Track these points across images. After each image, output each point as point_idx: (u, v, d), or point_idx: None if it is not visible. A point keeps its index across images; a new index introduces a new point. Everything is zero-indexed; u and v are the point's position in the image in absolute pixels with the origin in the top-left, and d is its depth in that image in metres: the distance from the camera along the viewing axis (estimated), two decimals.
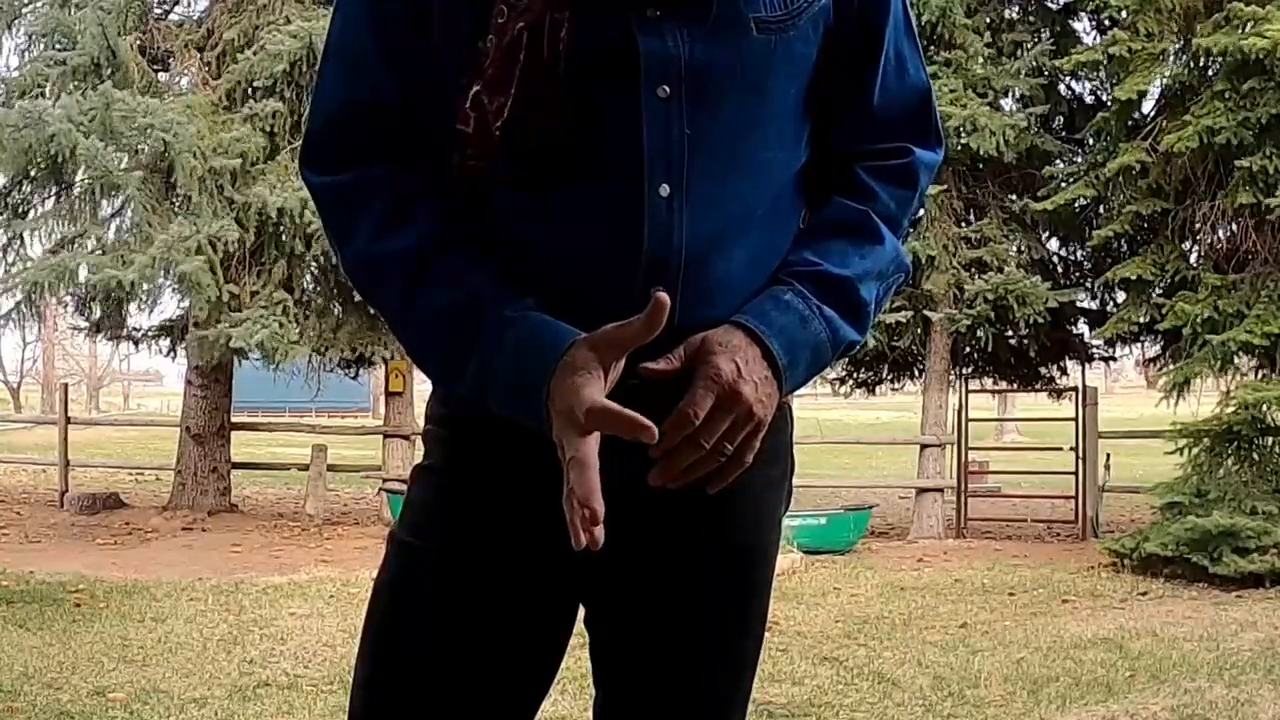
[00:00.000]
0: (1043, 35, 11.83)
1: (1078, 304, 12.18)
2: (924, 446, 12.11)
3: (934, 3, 11.05)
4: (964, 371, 12.49)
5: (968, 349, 12.27)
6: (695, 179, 1.27)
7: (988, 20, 11.84)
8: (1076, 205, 11.31)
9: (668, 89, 1.25)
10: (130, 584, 7.98)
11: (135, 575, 8.48)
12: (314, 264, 11.54)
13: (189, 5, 12.91)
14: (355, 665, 1.44)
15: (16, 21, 12.29)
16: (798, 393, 1.40)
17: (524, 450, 1.29)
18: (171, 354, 13.73)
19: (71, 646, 5.99)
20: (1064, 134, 12.13)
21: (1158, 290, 10.54)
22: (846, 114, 1.39)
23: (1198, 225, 10.12)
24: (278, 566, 9.19)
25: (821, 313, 1.30)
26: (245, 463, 13.83)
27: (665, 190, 1.26)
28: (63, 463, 13.86)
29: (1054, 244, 12.59)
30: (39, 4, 12.16)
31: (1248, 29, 9.17)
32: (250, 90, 11.26)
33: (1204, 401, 10.34)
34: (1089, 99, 12.37)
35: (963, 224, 11.82)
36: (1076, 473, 11.70)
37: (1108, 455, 11.65)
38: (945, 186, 11.27)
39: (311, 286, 11.84)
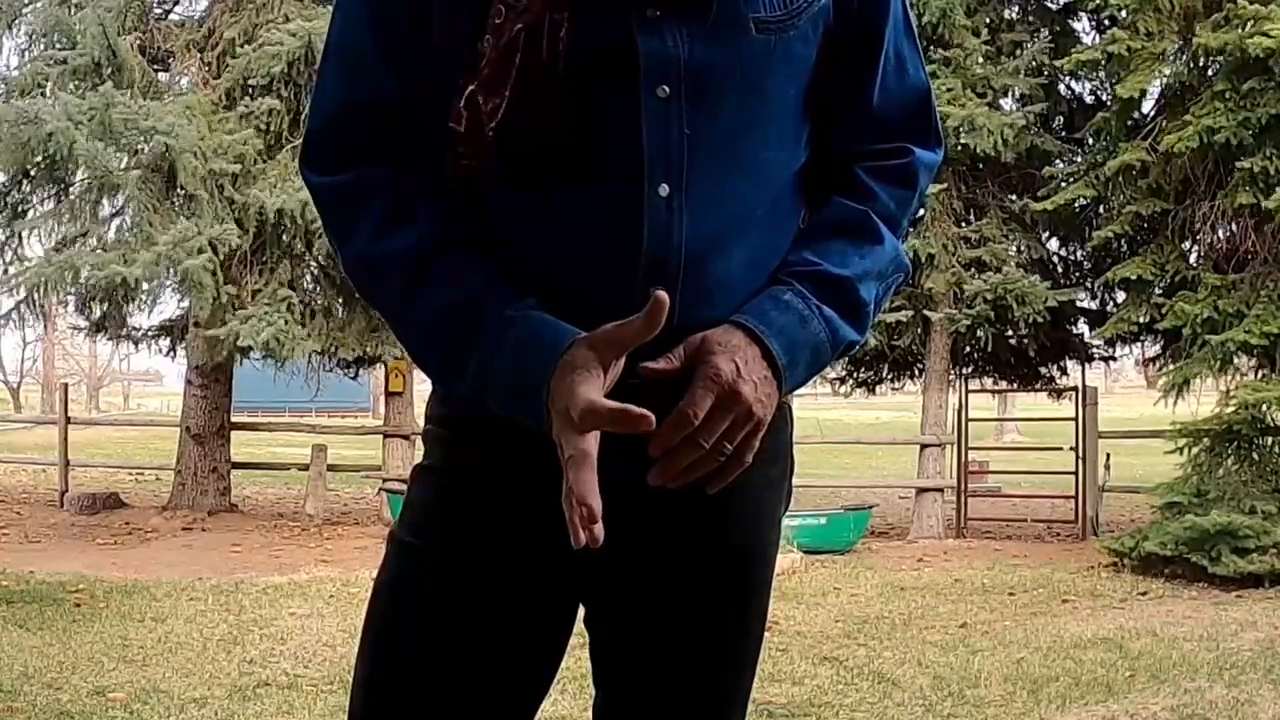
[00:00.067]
0: (1042, 35, 11.82)
1: (1077, 304, 12.19)
2: (924, 446, 12.11)
3: (934, 3, 11.05)
4: (964, 371, 12.49)
5: (968, 349, 12.27)
6: (695, 179, 1.27)
7: (987, 20, 11.84)
8: (1076, 205, 11.31)
9: (667, 89, 1.25)
10: (130, 584, 7.98)
11: (135, 575, 8.48)
12: (314, 264, 11.54)
13: (189, 5, 12.94)
14: (355, 665, 1.44)
15: (17, 21, 12.29)
16: (798, 392, 1.40)
17: (524, 450, 1.29)
18: (171, 354, 13.75)
19: (71, 646, 5.99)
20: (1064, 134, 12.13)
21: (1158, 290, 10.54)
22: (846, 114, 1.39)
23: (1198, 225, 10.12)
24: (278, 566, 9.19)
25: (821, 313, 1.30)
26: (245, 463, 13.83)
27: (665, 190, 1.26)
28: (63, 463, 13.86)
29: (1054, 244, 12.59)
30: (39, 3, 12.16)
31: (1248, 28, 9.17)
32: (247, 89, 11.26)
33: (1204, 401, 10.34)
34: (1089, 99, 12.37)
35: (962, 224, 11.82)
36: (1076, 472, 11.70)
37: (1108, 455, 11.65)
38: (945, 186, 11.27)
39: (313, 287, 11.84)
